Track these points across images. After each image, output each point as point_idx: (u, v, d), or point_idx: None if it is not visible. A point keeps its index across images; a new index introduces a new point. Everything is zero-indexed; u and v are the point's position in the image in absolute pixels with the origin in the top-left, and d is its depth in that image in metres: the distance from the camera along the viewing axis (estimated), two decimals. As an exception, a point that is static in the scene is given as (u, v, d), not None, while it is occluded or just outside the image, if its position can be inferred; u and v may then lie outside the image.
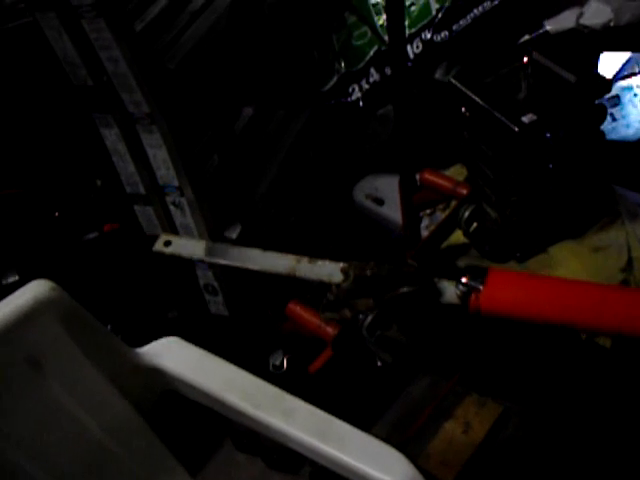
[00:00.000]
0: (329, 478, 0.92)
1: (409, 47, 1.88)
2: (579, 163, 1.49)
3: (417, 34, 1.89)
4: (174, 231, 1.63)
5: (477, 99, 1.47)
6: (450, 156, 1.82)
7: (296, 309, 1.26)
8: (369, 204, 1.96)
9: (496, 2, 1.84)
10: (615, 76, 1.96)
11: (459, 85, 1.52)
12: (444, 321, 1.28)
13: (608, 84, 1.48)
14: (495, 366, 1.58)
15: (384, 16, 1.85)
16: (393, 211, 1.77)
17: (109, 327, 1.49)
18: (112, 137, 1.49)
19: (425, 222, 1.71)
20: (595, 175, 1.55)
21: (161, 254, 1.39)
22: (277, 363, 1.52)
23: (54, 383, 0.91)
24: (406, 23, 1.84)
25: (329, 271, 1.23)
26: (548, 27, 1.86)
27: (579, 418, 1.52)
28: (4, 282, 1.52)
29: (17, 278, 1.52)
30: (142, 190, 1.57)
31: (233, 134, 1.72)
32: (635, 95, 1.95)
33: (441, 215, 1.67)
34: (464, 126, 1.58)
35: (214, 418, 1.05)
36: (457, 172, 1.76)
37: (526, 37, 1.88)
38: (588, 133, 1.50)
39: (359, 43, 1.92)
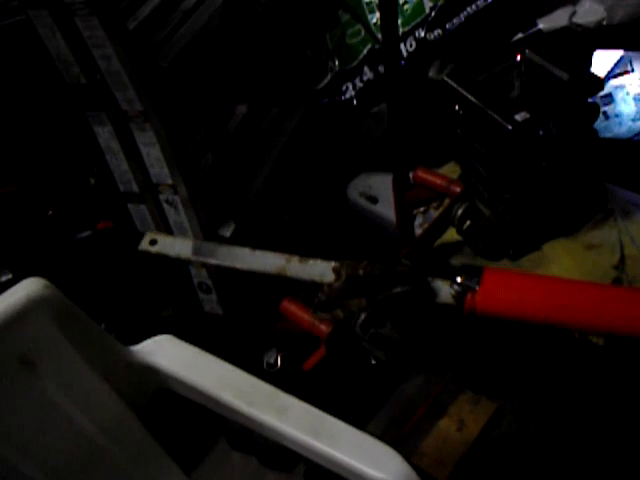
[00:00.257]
0: (323, 476, 0.92)
1: (403, 45, 1.88)
2: (572, 161, 1.49)
3: (411, 32, 1.89)
4: (168, 229, 1.62)
5: (470, 97, 1.47)
6: (443, 154, 1.82)
7: (290, 307, 1.26)
8: (363, 202, 1.96)
9: (489, 1, 1.84)
10: (608, 74, 1.97)
11: (452, 83, 1.52)
12: (438, 319, 1.28)
13: (601, 82, 1.49)
14: (489, 364, 1.58)
15: (378, 14, 1.85)
16: (387, 209, 1.77)
17: (103, 326, 1.49)
18: (105, 135, 1.49)
19: (419, 220, 1.72)
20: (588, 173, 1.56)
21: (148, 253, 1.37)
22: (271, 361, 1.52)
23: (47, 382, 0.91)
24: (400, 21, 1.84)
25: (320, 270, 1.22)
26: (541, 25, 1.86)
27: (572, 415, 1.52)
28: (-3, 281, 1.52)
29: (10, 276, 1.52)
30: (136, 188, 1.57)
31: (226, 132, 1.72)
32: (627, 93, 1.96)
33: (435, 213, 1.67)
34: (457, 124, 1.58)
35: (208, 416, 1.05)
36: (451, 170, 1.76)
37: (519, 35, 1.88)
38: (581, 131, 1.51)
39: (353, 41, 1.92)
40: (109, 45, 1.32)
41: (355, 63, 1.92)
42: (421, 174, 1.51)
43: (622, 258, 1.50)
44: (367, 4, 1.89)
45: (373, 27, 1.90)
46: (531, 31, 1.87)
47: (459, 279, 1.11)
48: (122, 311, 1.67)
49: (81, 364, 0.93)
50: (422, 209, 1.74)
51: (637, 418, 1.43)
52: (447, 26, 1.88)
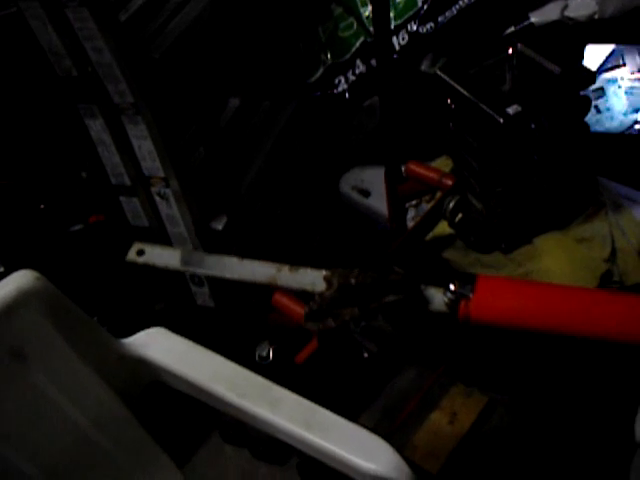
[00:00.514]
0: (316, 469, 0.92)
1: (395, 39, 1.88)
2: (564, 154, 1.50)
3: (403, 26, 1.89)
4: (160, 222, 1.62)
5: (462, 91, 1.47)
6: (436, 147, 1.82)
7: (282, 300, 1.26)
8: (355, 196, 1.96)
9: (481, -6, 1.85)
10: (599, 68, 1.97)
11: (445, 77, 1.52)
12: (431, 323, 1.27)
13: (592, 76, 1.49)
14: (481, 357, 1.59)
15: (370, 7, 1.85)
16: (379, 203, 1.77)
17: (95, 319, 1.49)
18: (97, 128, 1.48)
19: (411, 213, 1.72)
20: (579, 166, 1.56)
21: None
22: (263, 354, 1.52)
23: (39, 375, 0.91)
24: (392, 15, 1.84)
25: (312, 279, 1.20)
26: (533, 19, 1.86)
27: (564, 408, 1.53)
28: (-11, 274, 1.51)
29: (2, 269, 1.52)
30: (127, 181, 1.56)
31: (219, 125, 1.71)
32: (619, 87, 1.96)
33: (427, 206, 1.68)
34: (449, 117, 1.58)
35: (201, 409, 1.05)
36: (443, 163, 1.77)
37: (511, 29, 1.88)
38: (572, 125, 1.51)
39: (345, 35, 1.92)
40: (100, 37, 1.31)
41: (347, 56, 1.92)
42: (413, 167, 1.51)
43: (613, 251, 1.51)
44: (359, -3, 1.90)
45: (365, 20, 1.90)
46: (523, 25, 1.88)
47: (452, 287, 1.08)
48: (114, 304, 1.67)
49: (73, 357, 0.93)
50: (414, 202, 1.74)
51: (626, 411, 1.44)
52: (439, 19, 1.88)
